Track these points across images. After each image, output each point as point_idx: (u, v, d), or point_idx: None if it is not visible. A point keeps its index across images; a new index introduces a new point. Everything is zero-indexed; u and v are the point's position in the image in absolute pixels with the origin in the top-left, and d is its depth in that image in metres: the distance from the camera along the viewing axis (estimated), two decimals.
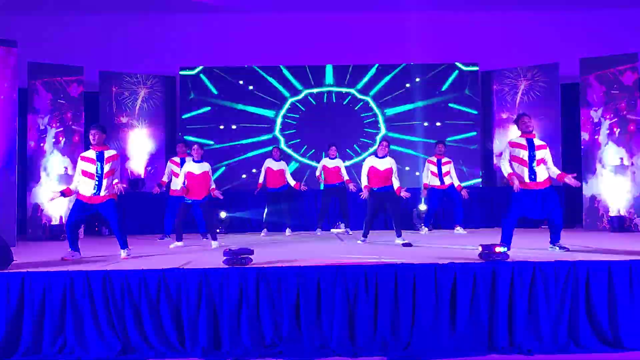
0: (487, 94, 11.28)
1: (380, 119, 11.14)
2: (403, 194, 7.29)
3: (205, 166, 7.49)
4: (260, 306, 4.83)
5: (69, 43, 10.94)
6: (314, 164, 10.78)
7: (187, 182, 7.43)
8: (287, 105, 11.15)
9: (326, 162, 9.23)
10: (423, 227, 9.27)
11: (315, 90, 11.17)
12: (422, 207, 9.87)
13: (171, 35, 11.29)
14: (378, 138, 10.98)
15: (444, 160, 9.16)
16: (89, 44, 11.01)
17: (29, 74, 9.37)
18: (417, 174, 10.77)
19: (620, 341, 4.75)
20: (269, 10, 11.35)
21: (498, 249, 5.06)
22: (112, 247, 7.20)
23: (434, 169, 9.12)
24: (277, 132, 11.13)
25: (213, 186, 7.50)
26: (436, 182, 9.11)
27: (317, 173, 9.34)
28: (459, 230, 9.16)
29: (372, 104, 11.17)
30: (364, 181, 7.46)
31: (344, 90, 11.18)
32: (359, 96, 11.17)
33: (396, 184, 7.37)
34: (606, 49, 9.97)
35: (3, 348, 4.72)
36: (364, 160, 7.88)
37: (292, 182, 9.30)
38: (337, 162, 9.23)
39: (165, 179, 8.78)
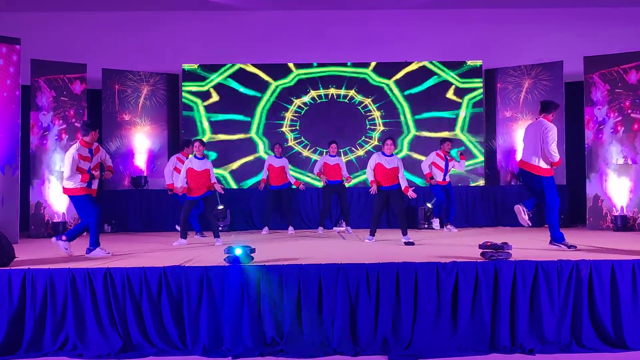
0: (491, 92, 11.24)
1: (382, 117, 11.11)
2: (410, 193, 7.24)
3: (207, 164, 7.56)
4: (261, 304, 4.82)
5: (72, 40, 10.95)
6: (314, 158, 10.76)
7: (187, 180, 7.45)
8: (289, 104, 11.13)
9: (327, 159, 9.23)
10: (437, 220, 9.25)
11: (318, 88, 11.14)
12: (429, 204, 9.85)
13: (174, 33, 11.28)
14: (375, 135, 10.97)
15: (449, 157, 9.18)
16: (92, 41, 11.02)
17: (32, 71, 9.37)
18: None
19: (623, 341, 4.72)
20: (272, 9, 11.34)
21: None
22: (114, 244, 7.20)
23: (441, 164, 9.10)
24: (280, 129, 11.11)
25: (214, 181, 7.56)
26: (439, 177, 9.11)
27: (316, 170, 9.32)
28: (449, 228, 9.20)
29: (375, 102, 11.13)
30: (369, 177, 7.44)
31: (346, 87, 11.14)
32: (361, 94, 11.13)
33: (403, 183, 7.31)
34: (610, 47, 9.92)
35: (6, 345, 4.72)
36: (369, 157, 7.85)
37: (292, 180, 9.36)
38: (338, 160, 9.24)
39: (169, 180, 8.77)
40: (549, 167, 6.05)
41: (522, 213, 6.09)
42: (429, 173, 9.15)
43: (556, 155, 6.01)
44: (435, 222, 9.29)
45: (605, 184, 9.40)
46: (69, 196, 6.18)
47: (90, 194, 6.13)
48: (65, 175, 6.02)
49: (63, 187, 6.19)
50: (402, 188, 7.29)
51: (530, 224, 6.26)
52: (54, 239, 6.21)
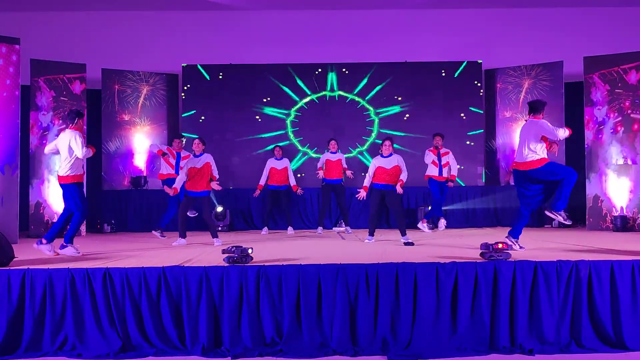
0: (491, 92, 11.24)
1: (381, 117, 11.10)
2: (397, 188, 7.25)
3: (207, 157, 7.52)
4: (260, 304, 4.82)
5: (72, 40, 10.96)
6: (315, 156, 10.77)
7: (189, 176, 7.43)
8: (289, 104, 11.12)
9: (328, 156, 9.24)
10: (442, 220, 9.28)
11: (318, 89, 11.14)
12: (430, 209, 9.86)
13: (174, 33, 11.28)
14: (372, 134, 10.95)
15: (443, 151, 9.19)
16: (92, 41, 11.02)
17: (32, 71, 9.37)
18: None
19: (622, 342, 4.71)
20: (271, 9, 11.34)
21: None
22: (113, 244, 7.21)
23: (435, 159, 9.15)
24: (280, 130, 11.09)
25: (215, 175, 7.52)
26: (435, 172, 9.13)
27: (319, 165, 9.32)
28: (424, 226, 9.14)
29: (375, 102, 11.13)
30: (366, 182, 7.44)
31: (346, 88, 11.14)
32: (361, 94, 11.13)
33: (404, 177, 7.33)
34: (610, 47, 9.92)
35: (5, 345, 4.71)
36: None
37: (292, 183, 9.37)
38: (339, 156, 9.26)
39: (163, 170, 8.88)
40: (540, 157, 5.94)
41: (558, 217, 6.00)
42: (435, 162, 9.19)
43: (564, 132, 5.94)
44: (441, 222, 9.26)
45: (605, 184, 9.40)
46: (62, 185, 6.14)
47: (81, 183, 6.17)
48: (81, 154, 6.05)
49: (59, 176, 6.16)
50: (398, 182, 7.28)
51: (570, 222, 6.18)
52: (35, 245, 6.09)
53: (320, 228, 9.27)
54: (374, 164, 7.44)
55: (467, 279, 4.82)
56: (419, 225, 9.21)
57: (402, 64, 11.14)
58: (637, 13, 11.04)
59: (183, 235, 7.47)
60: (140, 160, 10.93)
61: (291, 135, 11.08)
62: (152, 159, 10.96)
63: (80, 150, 6.06)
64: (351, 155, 10.87)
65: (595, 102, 9.58)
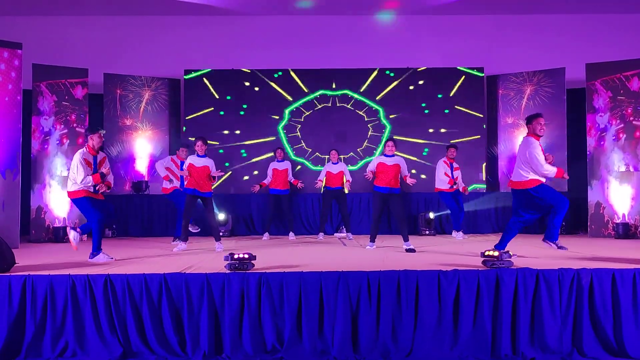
0: (493, 98, 11.24)
1: (384, 122, 11.10)
2: (409, 180, 7.25)
3: (208, 161, 7.55)
4: (261, 311, 4.81)
5: (74, 45, 10.98)
6: (315, 167, 10.75)
7: (189, 172, 7.45)
8: (291, 109, 11.13)
9: (330, 168, 9.24)
10: (459, 232, 9.20)
11: (319, 94, 11.14)
12: (431, 214, 9.85)
13: (176, 38, 11.30)
14: (383, 137, 10.95)
15: (455, 165, 9.18)
16: (94, 46, 11.04)
17: (34, 76, 9.39)
18: (422, 175, 10.69)
19: (624, 350, 4.70)
20: (274, 14, 11.35)
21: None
22: (114, 249, 7.19)
23: (448, 171, 9.10)
24: (281, 135, 11.09)
25: (214, 174, 7.52)
26: (446, 186, 9.08)
27: (320, 178, 9.30)
28: (457, 234, 9.17)
29: (377, 108, 11.13)
30: (369, 170, 7.43)
31: (348, 93, 11.14)
32: (363, 100, 11.13)
33: (404, 173, 7.33)
34: (613, 54, 9.92)
35: (6, 351, 4.70)
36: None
37: (292, 179, 9.49)
38: (341, 167, 9.26)
39: (167, 185, 8.75)
40: (534, 177, 5.83)
41: (554, 247, 5.93)
42: (450, 181, 9.09)
43: (550, 171, 5.81)
44: (458, 234, 9.17)
45: (607, 191, 9.39)
46: (72, 199, 6.30)
47: (90, 196, 6.20)
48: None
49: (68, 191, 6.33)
50: (402, 177, 7.30)
51: (567, 248, 5.99)
52: (70, 229, 6.39)
53: (321, 234, 9.27)
54: (376, 159, 7.47)
55: (469, 287, 4.81)
56: (454, 235, 9.20)
57: (403, 69, 11.14)
58: (639, 20, 11.04)
59: (185, 239, 7.45)
60: (141, 165, 10.93)
61: (284, 140, 11.08)
62: (154, 164, 10.96)
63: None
64: (355, 167, 10.85)
65: (597, 108, 9.57)
